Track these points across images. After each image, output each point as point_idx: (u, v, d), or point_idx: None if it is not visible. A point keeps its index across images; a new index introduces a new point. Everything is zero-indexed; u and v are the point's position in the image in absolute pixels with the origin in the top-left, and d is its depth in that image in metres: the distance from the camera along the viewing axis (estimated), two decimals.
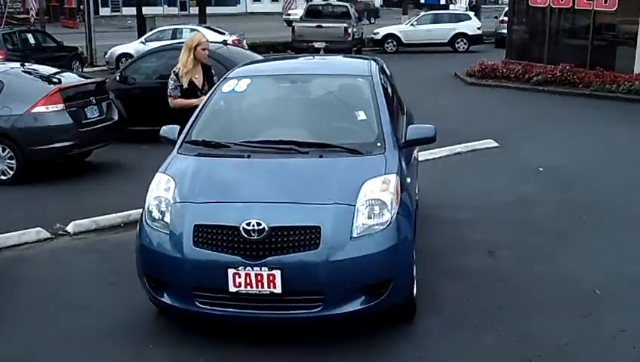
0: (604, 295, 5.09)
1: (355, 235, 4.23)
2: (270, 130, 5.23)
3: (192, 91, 6.72)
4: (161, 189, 4.62)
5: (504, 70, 17.81)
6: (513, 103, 15.17)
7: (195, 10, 38.97)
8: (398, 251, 4.34)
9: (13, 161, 8.60)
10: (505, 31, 24.71)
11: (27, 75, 9.23)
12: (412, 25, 28.60)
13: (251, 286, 4.12)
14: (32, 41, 19.89)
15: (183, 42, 11.38)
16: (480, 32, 27.90)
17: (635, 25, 15.89)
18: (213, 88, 5.85)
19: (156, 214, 4.50)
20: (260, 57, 11.48)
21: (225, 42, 12.88)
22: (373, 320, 4.52)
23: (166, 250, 4.32)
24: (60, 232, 6.72)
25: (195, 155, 4.93)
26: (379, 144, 4.90)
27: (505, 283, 5.36)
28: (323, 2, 28.01)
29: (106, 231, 6.88)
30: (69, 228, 6.77)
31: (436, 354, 4.34)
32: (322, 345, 4.42)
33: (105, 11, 52.68)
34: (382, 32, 28.50)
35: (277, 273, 4.10)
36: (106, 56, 22.76)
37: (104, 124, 9.43)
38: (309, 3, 30.34)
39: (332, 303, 4.18)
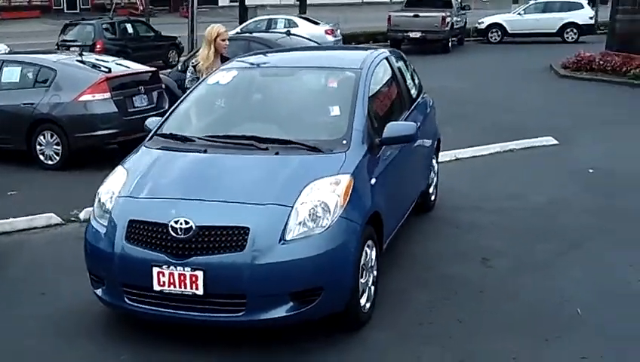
0: (585, 316, 4.59)
1: (288, 238, 4.03)
2: (238, 125, 5.10)
3: None
4: (113, 181, 4.63)
5: (600, 62, 16.66)
6: (601, 98, 14.18)
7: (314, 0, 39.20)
8: (334, 257, 4.08)
9: (59, 147, 8.96)
10: None
11: (80, 63, 9.57)
12: (519, 14, 27.39)
13: (174, 286, 4.03)
14: (130, 30, 20.74)
15: (244, 34, 11.43)
16: (592, 21, 26.28)
17: None
18: (200, 80, 5.80)
19: (103, 207, 4.50)
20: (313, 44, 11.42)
21: (288, 32, 12.83)
22: (311, 329, 4.31)
23: (102, 244, 4.31)
24: (73, 219, 6.92)
25: (158, 149, 4.89)
26: (344, 142, 4.65)
27: (482, 295, 4.96)
28: None
29: None
30: (81, 214, 6.94)
31: None
32: (249, 347, 4.25)
33: (224, 1, 54.10)
34: (487, 21, 27.46)
35: (199, 274, 3.98)
36: None
37: (153, 113, 9.62)
38: None
39: (255, 308, 4.01)
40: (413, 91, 6.39)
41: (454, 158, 8.90)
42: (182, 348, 4.25)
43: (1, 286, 5.35)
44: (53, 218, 6.88)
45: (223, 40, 6.90)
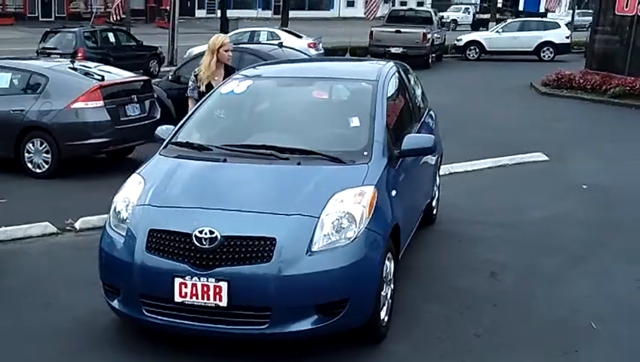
0: (600, 329, 4.62)
1: (314, 249, 3.98)
2: (257, 134, 5.04)
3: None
4: (129, 190, 4.54)
5: (581, 80, 16.94)
6: (583, 116, 14.42)
7: (292, 13, 39.37)
8: (360, 269, 4.04)
9: (49, 155, 8.79)
10: None
11: (72, 71, 9.44)
12: (497, 32, 27.75)
13: (197, 298, 3.95)
14: (112, 39, 20.50)
15: (238, 44, 11.41)
16: (568, 40, 26.74)
17: None
18: (213, 89, 5.74)
19: (119, 216, 4.41)
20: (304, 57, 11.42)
21: (280, 44, 12.80)
22: (334, 341, 4.27)
23: (119, 253, 4.22)
24: (68, 228, 6.78)
25: (175, 157, 4.82)
26: (365, 153, 4.63)
27: (495, 308, 4.96)
28: (406, 7, 27.62)
29: None
30: (77, 224, 6.81)
31: None
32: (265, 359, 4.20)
33: (201, 13, 54.04)
34: (465, 38, 27.80)
35: (224, 285, 3.91)
36: (185, 56, 23.21)
37: (145, 122, 9.50)
38: (392, 8, 29.98)
39: (280, 320, 3.95)
40: (422, 104, 6.41)
41: (448, 173, 8.92)
42: None
43: (3, 297, 5.21)
44: (49, 227, 6.73)
45: (227, 50, 6.86)
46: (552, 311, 4.92)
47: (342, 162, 4.55)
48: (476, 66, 25.00)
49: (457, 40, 27.88)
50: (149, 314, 4.11)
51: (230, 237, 3.96)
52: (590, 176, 8.83)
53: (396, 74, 5.85)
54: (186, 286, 3.96)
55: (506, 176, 9.10)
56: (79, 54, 18.30)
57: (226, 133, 5.16)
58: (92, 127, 8.86)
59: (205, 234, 3.96)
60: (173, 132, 5.14)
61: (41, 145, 8.80)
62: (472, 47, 27.14)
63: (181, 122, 5.27)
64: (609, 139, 11.62)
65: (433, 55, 24.78)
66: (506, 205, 7.64)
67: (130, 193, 4.50)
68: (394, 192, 4.64)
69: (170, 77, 11.81)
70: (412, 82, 6.39)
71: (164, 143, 5.05)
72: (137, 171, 4.75)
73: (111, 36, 20.61)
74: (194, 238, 3.97)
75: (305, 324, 3.97)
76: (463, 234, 6.62)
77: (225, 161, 4.63)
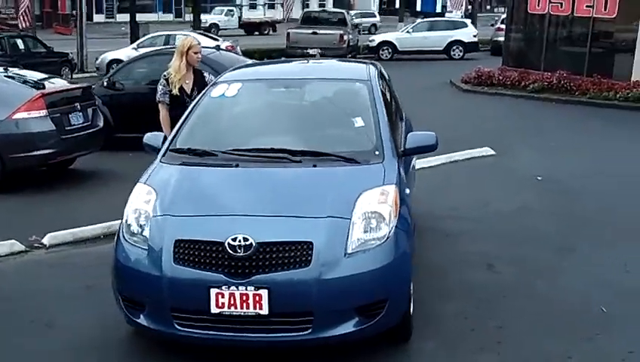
0: (610, 312, 4.79)
1: (350, 251, 3.91)
2: (261, 138, 4.90)
3: (180, 98, 6.43)
4: (140, 201, 4.31)
5: (500, 77, 17.57)
6: (509, 111, 14.95)
7: (190, 16, 38.73)
8: (396, 268, 4.01)
9: None
10: (501, 38, 24.53)
11: (10, 79, 8.90)
12: (408, 32, 28.40)
13: (235, 307, 3.79)
14: (21, 46, 19.59)
15: (173, 47, 11.12)
16: (475, 39, 27.73)
17: (633, 32, 15.71)
18: (201, 93, 5.56)
19: (135, 228, 4.18)
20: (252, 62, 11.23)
21: (218, 47, 12.57)
22: (365, 343, 4.21)
23: (144, 266, 3.99)
24: (36, 245, 6.38)
25: (179, 164, 4.62)
26: (377, 152, 4.60)
27: (506, 300, 5.06)
28: (319, 9, 27.84)
29: (84, 244, 6.54)
30: (45, 240, 6.42)
31: None
32: None
33: (99, 18, 52.27)
34: (377, 39, 28.30)
35: (264, 293, 3.78)
36: (97, 62, 22.44)
37: (89, 131, 9.10)
38: (305, 10, 30.15)
39: (323, 325, 3.85)
40: (399, 103, 6.44)
41: None
42: None
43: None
44: (16, 245, 6.31)
45: (196, 53, 6.67)
46: (560, 299, 5.04)
47: (357, 162, 4.50)
48: (391, 66, 25.23)
49: (370, 40, 28.35)
50: (182, 329, 3.91)
51: (266, 243, 3.83)
52: (540, 168, 9.14)
53: (378, 73, 5.85)
54: (223, 297, 3.80)
55: (461, 172, 9.30)
56: None
57: (228, 138, 4.99)
58: (37, 138, 8.38)
59: (239, 241, 3.81)
60: (170, 139, 4.93)
61: None
62: (384, 48, 27.63)
63: (176, 128, 5.07)
64: (543, 132, 12.11)
65: (349, 56, 25.04)
66: (471, 199, 7.79)
67: (142, 204, 4.27)
68: (407, 191, 4.65)
69: (105, 83, 11.35)
70: (389, 82, 6.41)
71: (163, 150, 4.84)
72: (141, 181, 4.52)
73: (20, 43, 19.70)
74: (227, 246, 3.82)
75: (347, 327, 3.90)
76: (446, 230, 6.70)
77: (237, 166, 4.48)
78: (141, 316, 4.05)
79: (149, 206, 4.22)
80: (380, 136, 4.73)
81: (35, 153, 8.36)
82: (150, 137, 5.16)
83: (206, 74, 6.75)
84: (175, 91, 6.48)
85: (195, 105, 5.25)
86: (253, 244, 3.80)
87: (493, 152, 10.20)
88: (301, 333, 3.85)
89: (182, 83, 6.55)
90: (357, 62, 6.78)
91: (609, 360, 4.19)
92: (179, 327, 3.92)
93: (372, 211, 4.09)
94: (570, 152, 10.31)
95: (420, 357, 4.27)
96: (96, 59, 22.68)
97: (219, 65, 9.82)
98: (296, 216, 4.03)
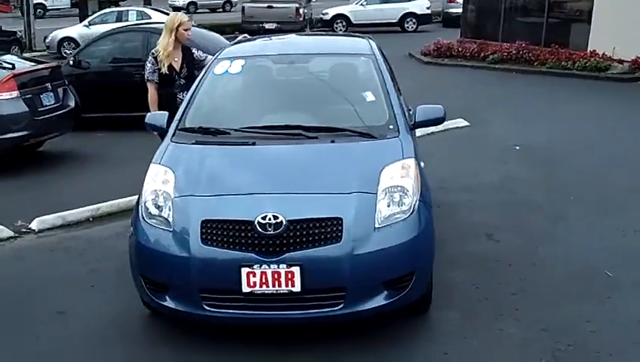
0: (616, 276, 4.93)
1: (377, 226, 3.92)
2: (272, 115, 4.84)
3: (170, 76, 6.30)
4: (158, 182, 4.22)
5: (459, 49, 17.76)
6: (472, 82, 15.14)
7: None
8: (422, 241, 4.05)
9: None
10: (453, 10, 24.78)
11: None
12: (362, 5, 28.34)
13: (267, 286, 3.77)
14: None
15: (137, 24, 10.80)
16: (429, 11, 27.87)
17: (589, 2, 16.01)
18: (203, 71, 5.45)
19: (154, 210, 4.09)
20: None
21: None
22: (386, 316, 4.25)
23: (168, 248, 3.92)
24: (23, 230, 6.20)
25: (193, 143, 4.55)
26: (391, 126, 4.61)
27: (512, 268, 5.15)
28: None
29: (74, 227, 6.41)
30: (33, 225, 6.26)
31: (462, 350, 4.08)
32: (337, 344, 4.12)
33: None
34: (331, 12, 28.16)
35: (296, 270, 3.76)
36: (47, 41, 21.79)
37: (61, 112, 8.88)
38: None
39: (355, 300, 3.87)
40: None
41: None
42: None
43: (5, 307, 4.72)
44: (5, 231, 6.13)
45: (186, 29, 6.50)
46: (564, 266, 5.16)
47: (373, 137, 4.50)
48: None
49: (323, 14, 28.18)
50: (212, 309, 3.87)
51: (296, 221, 3.81)
52: (515, 137, 9.32)
53: (379, 48, 5.85)
54: (254, 276, 3.77)
55: (439, 143, 9.37)
56: None
57: (238, 116, 4.92)
58: (10, 120, 8.14)
59: (269, 219, 3.78)
60: (178, 118, 4.84)
61: None
62: (338, 21, 27.58)
63: (182, 106, 4.97)
64: (509, 102, 12.34)
65: (305, 29, 24.91)
66: (457, 171, 7.90)
67: (160, 185, 4.19)
68: (422, 163, 4.68)
69: (70, 62, 11.04)
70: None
71: (172, 129, 4.75)
72: (155, 161, 4.42)
73: None
74: (257, 225, 3.78)
75: (378, 301, 3.93)
76: (436, 201, 6.71)
77: (254, 143, 4.43)
78: (167, 298, 3.99)
79: (167, 186, 4.15)
80: (392, 110, 4.74)
81: (9, 136, 8.15)
82: (153, 117, 5.07)
83: (194, 50, 6.62)
84: (164, 69, 6.33)
85: (199, 83, 5.16)
86: (284, 222, 3.78)
87: (466, 123, 10.35)
88: (334, 308, 3.86)
89: (171, 60, 6.39)
90: (355, 36, 6.73)
91: (627, 321, 4.31)
92: (208, 308, 3.88)
93: (396, 185, 4.10)
94: (540, 120, 10.56)
95: (445, 326, 4.32)
96: (46, 37, 22.02)
97: (190, 42, 9.64)
98: (324, 193, 4.01)
